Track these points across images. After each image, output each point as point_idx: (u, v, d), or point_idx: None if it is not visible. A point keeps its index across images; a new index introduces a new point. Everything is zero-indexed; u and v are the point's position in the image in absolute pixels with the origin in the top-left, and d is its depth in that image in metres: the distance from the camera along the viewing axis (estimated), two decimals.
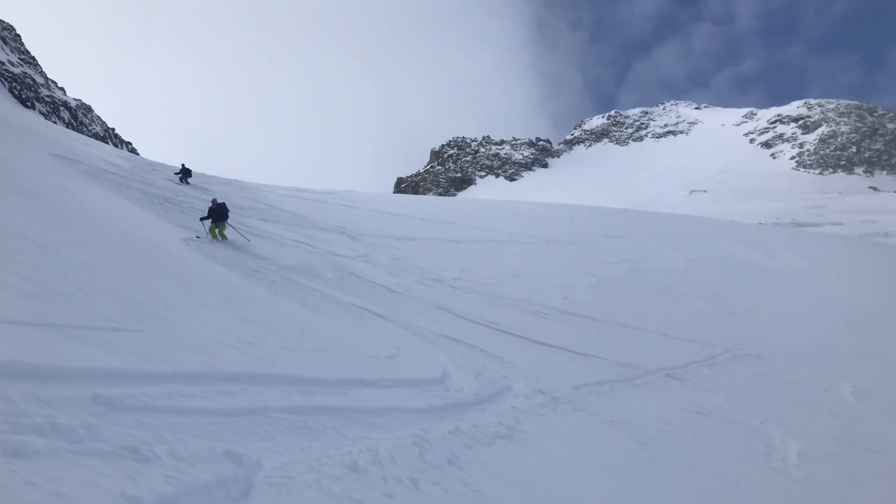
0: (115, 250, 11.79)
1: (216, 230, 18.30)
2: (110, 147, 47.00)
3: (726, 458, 9.92)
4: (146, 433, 4.13)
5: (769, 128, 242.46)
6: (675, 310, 22.94)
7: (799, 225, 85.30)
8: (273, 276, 14.62)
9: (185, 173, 30.57)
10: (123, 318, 6.62)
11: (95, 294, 7.11)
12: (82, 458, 3.45)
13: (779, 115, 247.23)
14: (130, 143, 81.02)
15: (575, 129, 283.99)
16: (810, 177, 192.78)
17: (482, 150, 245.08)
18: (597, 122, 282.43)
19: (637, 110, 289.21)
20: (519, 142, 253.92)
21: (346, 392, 7.39)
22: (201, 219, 18.99)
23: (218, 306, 9.92)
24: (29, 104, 62.62)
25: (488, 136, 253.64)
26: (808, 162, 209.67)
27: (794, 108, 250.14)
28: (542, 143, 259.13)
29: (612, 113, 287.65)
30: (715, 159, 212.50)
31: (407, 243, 26.20)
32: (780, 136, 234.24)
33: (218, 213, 18.60)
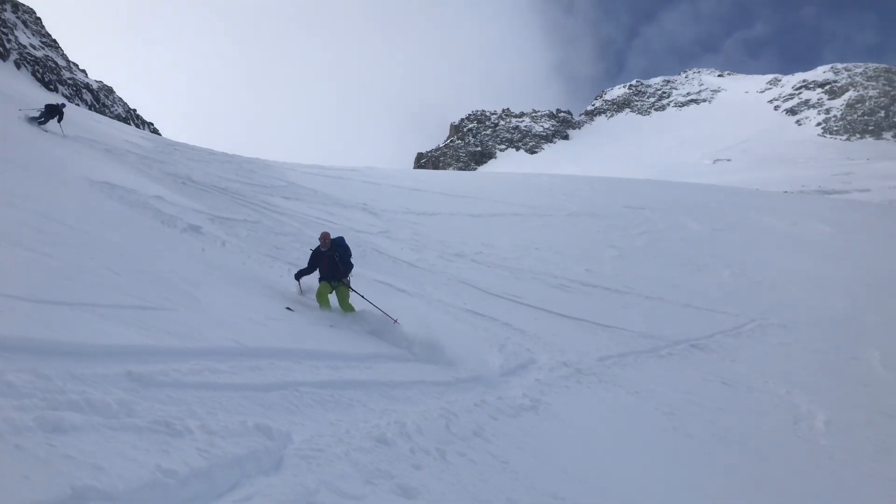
0: (140, 230, 11.93)
1: (327, 293, 10.32)
2: (132, 128, 47.35)
3: (752, 428, 9.90)
4: (178, 408, 4.20)
5: (794, 94, 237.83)
6: (699, 280, 22.78)
7: (825, 192, 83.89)
8: (297, 253, 14.71)
9: (48, 113, 21.71)
10: (152, 296, 6.72)
11: (123, 273, 7.21)
12: (117, 432, 3.53)
13: (804, 81, 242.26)
14: (152, 124, 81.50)
15: (596, 99, 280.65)
16: (837, 143, 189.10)
17: (502, 123, 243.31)
18: (618, 91, 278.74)
19: (659, 79, 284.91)
20: (539, 114, 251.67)
21: (373, 366, 7.47)
22: (298, 275, 10.84)
23: (244, 284, 10.03)
24: (52, 87, 63.15)
25: (508, 109, 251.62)
26: (835, 128, 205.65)
27: (819, 73, 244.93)
28: (562, 114, 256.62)
29: (634, 82, 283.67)
30: (739, 127, 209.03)
31: (428, 218, 26.20)
32: (806, 102, 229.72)
33: (331, 264, 10.36)
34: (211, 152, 35.05)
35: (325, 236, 10.46)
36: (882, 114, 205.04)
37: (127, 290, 6.58)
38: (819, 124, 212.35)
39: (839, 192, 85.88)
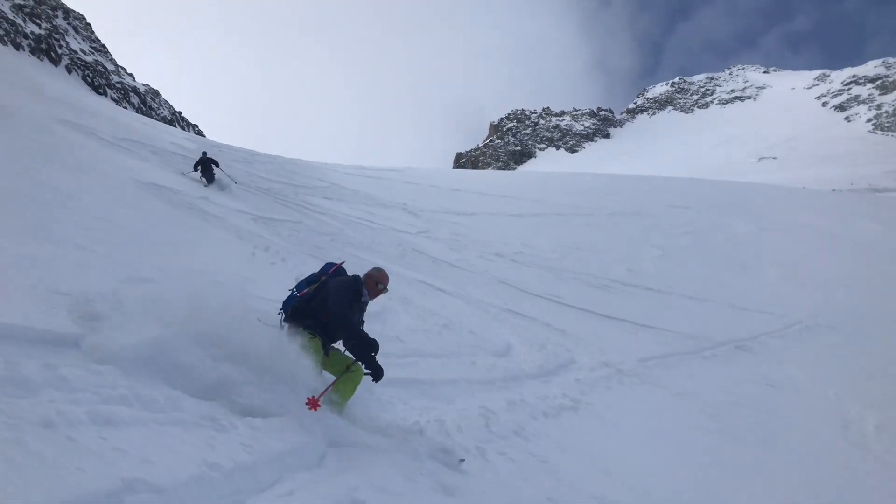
0: (185, 230, 12.19)
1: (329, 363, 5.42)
2: (178, 130, 48.38)
3: (800, 432, 9.66)
4: (222, 405, 4.29)
5: (843, 89, 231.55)
6: (744, 280, 22.35)
7: (876, 190, 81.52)
8: (338, 252, 14.86)
9: (204, 166, 20.01)
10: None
11: (171, 273, 7.39)
12: (165, 427, 3.62)
13: (854, 76, 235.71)
14: (196, 126, 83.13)
15: (637, 97, 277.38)
16: (889, 139, 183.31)
17: (542, 122, 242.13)
18: (660, 89, 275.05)
19: (702, 76, 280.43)
20: (580, 112, 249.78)
21: (414, 364, 7.51)
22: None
23: (288, 283, 10.16)
24: (101, 91, 64.89)
25: (548, 108, 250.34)
26: (887, 124, 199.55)
27: (870, 67, 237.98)
28: (603, 112, 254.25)
29: (676, 80, 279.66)
30: (785, 124, 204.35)
31: (467, 218, 26.22)
32: (856, 97, 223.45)
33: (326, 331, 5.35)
34: (253, 153, 35.62)
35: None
36: None
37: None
38: (870, 120, 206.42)
39: (891, 189, 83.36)
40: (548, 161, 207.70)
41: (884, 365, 14.59)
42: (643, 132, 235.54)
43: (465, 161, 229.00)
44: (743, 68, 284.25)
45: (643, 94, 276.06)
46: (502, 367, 8.84)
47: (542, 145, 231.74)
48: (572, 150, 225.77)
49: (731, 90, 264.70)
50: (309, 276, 5.71)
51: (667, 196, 40.82)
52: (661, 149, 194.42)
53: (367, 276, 5.57)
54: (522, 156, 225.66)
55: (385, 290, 5.63)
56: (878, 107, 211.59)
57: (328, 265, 5.72)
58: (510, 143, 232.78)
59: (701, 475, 7.04)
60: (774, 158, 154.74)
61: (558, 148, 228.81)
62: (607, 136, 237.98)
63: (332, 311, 5.11)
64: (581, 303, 15.94)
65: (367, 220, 21.24)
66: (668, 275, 21.57)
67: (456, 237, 21.76)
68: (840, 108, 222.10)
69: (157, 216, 12.25)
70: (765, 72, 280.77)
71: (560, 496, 5.12)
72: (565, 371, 9.73)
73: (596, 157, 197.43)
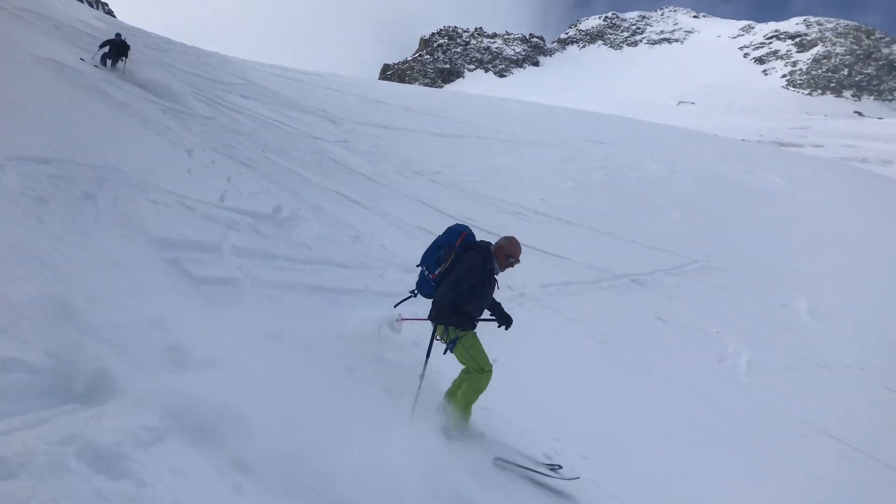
0: (88, 114, 11.52)
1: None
2: (85, 6, 44.84)
3: (681, 362, 10.38)
4: None
5: (765, 43, 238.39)
6: (649, 218, 23.22)
7: (782, 144, 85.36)
8: (250, 153, 14.42)
9: (118, 49, 18.54)
10: (86, 183, 6.56)
11: (68, 157, 7.01)
12: None
13: (776, 31, 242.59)
14: (106, 4, 77.33)
15: (570, 27, 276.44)
16: (799, 96, 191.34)
17: (473, 42, 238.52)
18: (593, 22, 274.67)
19: (635, 14, 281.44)
20: (512, 36, 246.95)
21: (320, 272, 7.51)
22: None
23: (192, 178, 9.84)
24: None
25: (481, 28, 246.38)
26: (799, 81, 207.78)
27: (792, 24, 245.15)
28: (535, 39, 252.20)
29: (610, 14, 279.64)
30: (706, 71, 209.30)
31: (389, 132, 25.86)
32: (775, 52, 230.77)
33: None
34: (168, 41, 33.59)
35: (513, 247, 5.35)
36: (845, 72, 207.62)
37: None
38: (784, 76, 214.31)
39: (795, 145, 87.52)
40: (475, 83, 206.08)
41: (765, 308, 15.71)
42: (572, 64, 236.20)
43: (391, 74, 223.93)
44: (675, 10, 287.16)
45: (576, 25, 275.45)
46: (410, 283, 8.94)
47: (472, 66, 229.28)
48: (501, 74, 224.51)
49: (661, 31, 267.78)
50: (436, 242, 5.21)
51: (586, 130, 41.43)
52: (588, 83, 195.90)
53: (498, 247, 5.21)
54: (451, 74, 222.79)
55: (517, 262, 5.25)
56: (794, 64, 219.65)
57: (454, 231, 5.20)
58: (439, 61, 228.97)
59: (584, 393, 7.50)
60: (693, 104, 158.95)
61: (487, 71, 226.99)
62: (536, 63, 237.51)
63: (448, 280, 4.89)
64: (493, 228, 16.17)
65: (284, 123, 20.61)
66: (580, 207, 22.12)
67: (375, 150, 21.48)
68: (759, 60, 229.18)
69: (57, 96, 11.48)
70: (695, 16, 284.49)
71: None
72: None
73: (524, 84, 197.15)
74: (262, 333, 4.90)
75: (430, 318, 5.06)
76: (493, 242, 5.19)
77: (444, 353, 5.12)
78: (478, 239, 5.15)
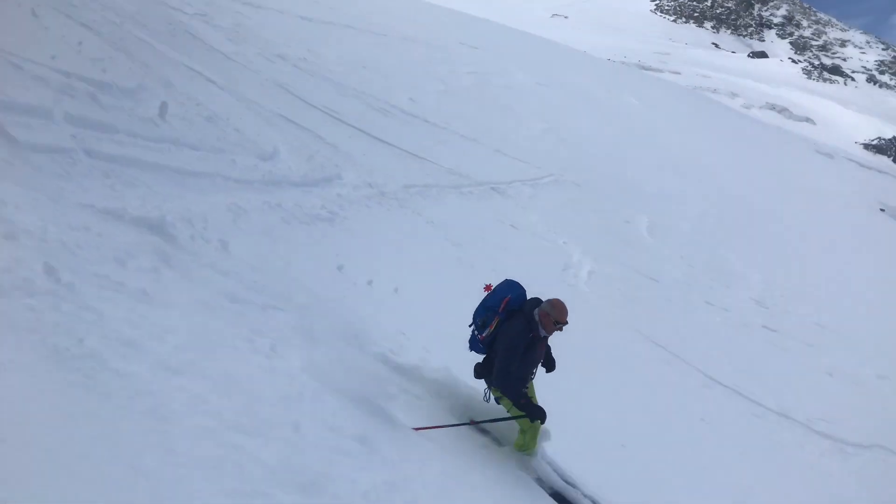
0: None
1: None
2: None
3: (527, 267, 10.89)
4: None
5: None
6: (512, 128, 23.63)
7: (643, 67, 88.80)
8: (94, 15, 13.01)
9: None
10: None
11: None
12: None
13: None
14: None
15: None
16: (665, 23, 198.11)
17: None
18: None
19: None
20: None
21: (168, 151, 7.05)
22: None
23: (24, 37, 8.78)
24: None
25: None
26: (667, 7, 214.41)
27: None
28: None
29: None
30: None
31: (253, 10, 24.17)
32: None
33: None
34: None
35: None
36: (708, 3, 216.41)
37: None
38: (654, 0, 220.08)
39: (655, 69, 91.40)
40: None
41: (610, 222, 16.71)
42: None
43: None
44: None
45: None
46: (264, 170, 8.65)
47: None
48: None
49: None
50: (484, 303, 5.26)
51: (460, 33, 40.89)
52: None
53: (543, 313, 5.02)
54: None
55: (565, 325, 5.06)
56: None
57: (497, 294, 5.23)
58: None
59: (431, 293, 7.72)
60: (566, 17, 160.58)
61: None
62: None
63: (497, 367, 4.95)
64: (358, 123, 15.85)
65: None
66: (447, 111, 22.07)
67: (237, 28, 20.07)
68: None
69: None
70: None
71: (293, 293, 5.30)
72: (329, 185, 9.81)
73: None
74: (95, 209, 4.55)
75: (495, 385, 5.14)
76: (539, 306, 5.10)
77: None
78: (525, 290, 5.28)
